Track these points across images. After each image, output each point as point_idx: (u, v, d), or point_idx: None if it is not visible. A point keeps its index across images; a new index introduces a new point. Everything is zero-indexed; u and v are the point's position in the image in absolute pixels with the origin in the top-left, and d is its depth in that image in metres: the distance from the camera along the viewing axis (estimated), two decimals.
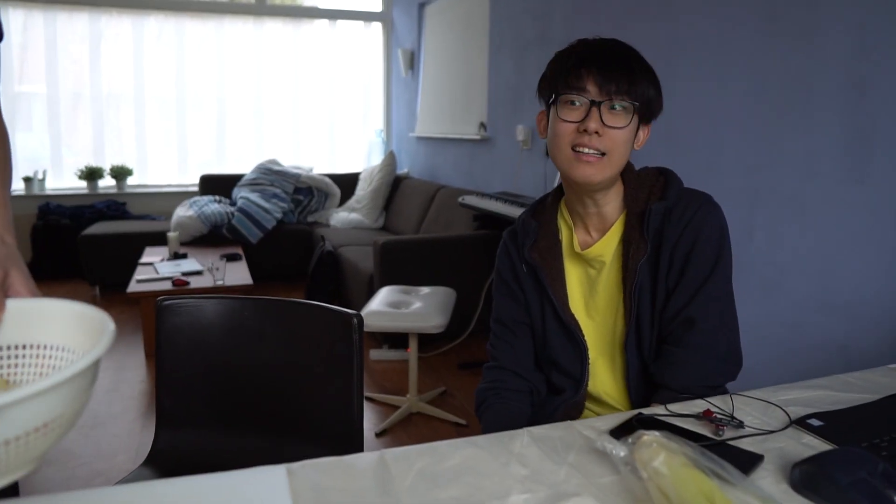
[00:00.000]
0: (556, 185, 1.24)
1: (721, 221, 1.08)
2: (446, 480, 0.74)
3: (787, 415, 0.92)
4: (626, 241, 1.10)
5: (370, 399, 2.80)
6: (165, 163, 5.52)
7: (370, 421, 2.61)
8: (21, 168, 4.95)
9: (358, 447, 1.21)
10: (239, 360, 1.30)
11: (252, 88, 5.64)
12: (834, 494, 0.69)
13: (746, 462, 0.78)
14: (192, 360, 1.30)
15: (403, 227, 4.69)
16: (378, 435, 2.52)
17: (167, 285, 3.38)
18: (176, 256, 3.94)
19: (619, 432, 0.86)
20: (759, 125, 2.19)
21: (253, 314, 1.30)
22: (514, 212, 3.04)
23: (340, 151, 5.99)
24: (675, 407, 0.96)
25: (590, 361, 1.15)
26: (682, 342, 1.06)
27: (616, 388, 1.16)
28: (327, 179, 5.30)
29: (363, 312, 2.52)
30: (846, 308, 1.92)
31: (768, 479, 0.76)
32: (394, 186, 5.16)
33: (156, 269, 3.66)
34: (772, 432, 0.87)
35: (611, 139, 1.03)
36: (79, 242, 4.36)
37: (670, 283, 1.08)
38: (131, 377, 3.04)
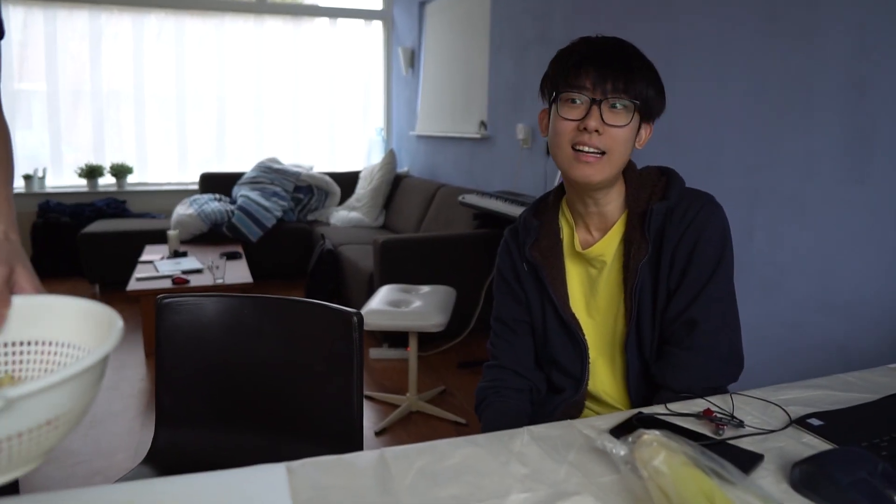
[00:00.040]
0: (556, 184, 1.24)
1: (723, 222, 1.08)
2: (446, 479, 0.74)
3: (787, 414, 0.92)
4: (628, 241, 1.10)
5: (370, 398, 2.80)
6: (165, 161, 5.51)
7: (370, 420, 2.61)
8: (21, 166, 4.95)
9: (357, 446, 1.21)
10: (239, 359, 1.30)
11: (252, 86, 5.64)
12: (834, 494, 0.69)
13: (746, 461, 0.78)
14: (191, 359, 1.30)
15: (403, 225, 4.69)
16: (378, 434, 2.52)
17: (167, 283, 3.38)
18: (176, 255, 3.94)
19: (619, 431, 0.86)
20: (759, 125, 2.19)
21: (253, 312, 1.30)
22: (514, 211, 3.04)
23: (340, 150, 5.99)
24: (675, 406, 0.96)
25: (590, 361, 1.15)
26: (684, 343, 1.06)
27: (616, 387, 1.16)
28: (327, 178, 5.30)
29: (363, 311, 2.52)
30: (846, 308, 1.92)
31: (768, 479, 0.76)
32: (394, 185, 5.16)
33: (156, 267, 3.66)
34: (772, 432, 0.87)
35: (611, 138, 1.03)
36: (79, 240, 4.36)
37: (671, 283, 1.08)
38: (131, 375, 3.04)
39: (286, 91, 5.73)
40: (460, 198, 3.59)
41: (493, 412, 1.16)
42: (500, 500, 0.70)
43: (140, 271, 3.57)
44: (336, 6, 5.84)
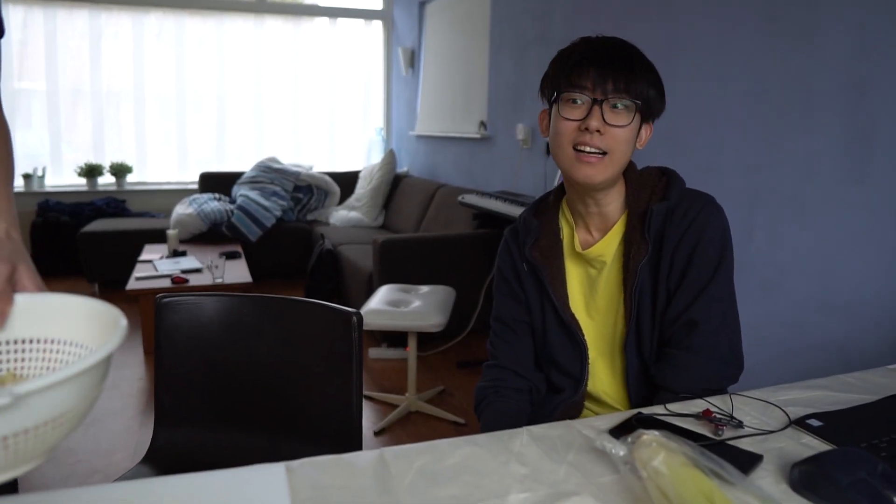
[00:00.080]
0: (556, 184, 1.24)
1: (723, 222, 1.08)
2: (446, 479, 0.74)
3: (787, 415, 0.92)
4: (628, 242, 1.10)
5: (369, 398, 2.79)
6: (165, 160, 5.51)
7: (369, 419, 2.61)
8: (20, 165, 4.95)
9: (357, 446, 1.21)
10: (238, 358, 1.30)
11: (252, 86, 5.64)
12: (833, 495, 0.69)
13: (746, 462, 0.78)
14: (190, 358, 1.30)
15: (403, 225, 4.69)
16: (377, 434, 2.52)
17: (166, 283, 3.38)
18: (175, 254, 3.93)
19: (619, 431, 0.86)
20: (759, 125, 2.18)
21: (252, 312, 1.30)
22: (514, 211, 3.04)
23: (340, 150, 5.99)
24: (675, 406, 0.96)
25: (589, 361, 1.15)
26: (684, 344, 1.06)
27: (615, 388, 1.16)
28: (327, 178, 5.30)
29: (362, 311, 2.52)
30: (846, 308, 1.92)
31: (768, 479, 0.76)
32: (393, 185, 5.16)
33: (155, 266, 3.66)
34: (771, 432, 0.87)
35: (612, 138, 1.03)
36: (78, 239, 4.36)
37: (671, 284, 1.07)
38: (130, 374, 3.03)
39: (286, 91, 5.72)
40: (460, 198, 3.59)
41: (492, 412, 1.16)
42: (499, 500, 0.70)
43: (139, 270, 3.57)
44: (336, 6, 5.84)
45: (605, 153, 1.03)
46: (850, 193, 1.90)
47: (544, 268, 1.14)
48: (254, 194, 4.84)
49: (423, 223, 4.40)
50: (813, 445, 0.84)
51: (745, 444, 0.83)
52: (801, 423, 0.89)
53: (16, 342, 0.66)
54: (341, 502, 0.69)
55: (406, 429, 2.57)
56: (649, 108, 1.06)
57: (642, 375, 1.12)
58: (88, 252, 4.35)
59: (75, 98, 5.18)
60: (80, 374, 0.52)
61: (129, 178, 5.37)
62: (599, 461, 0.78)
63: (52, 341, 0.67)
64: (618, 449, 0.71)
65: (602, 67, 1.02)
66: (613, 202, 1.12)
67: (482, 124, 4.22)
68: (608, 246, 1.12)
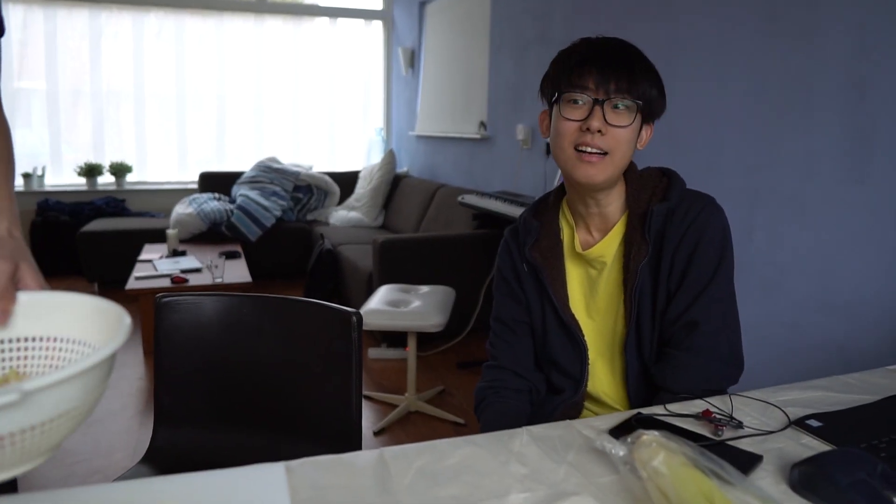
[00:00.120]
0: (556, 184, 1.24)
1: (724, 223, 1.08)
2: (446, 479, 0.74)
3: (787, 415, 0.92)
4: (628, 242, 1.10)
5: (368, 398, 2.79)
6: (165, 160, 5.51)
7: (368, 420, 2.61)
8: (20, 164, 4.93)
9: (356, 445, 1.21)
10: (237, 358, 1.30)
11: (252, 86, 5.63)
12: (833, 495, 0.69)
13: (745, 462, 0.78)
14: (190, 358, 1.30)
15: (403, 225, 4.69)
16: (376, 434, 2.52)
17: (166, 282, 3.38)
18: (175, 254, 3.93)
19: (619, 432, 0.86)
20: (759, 125, 2.18)
21: (252, 312, 1.30)
22: (514, 211, 3.04)
23: (340, 150, 5.99)
24: (675, 407, 0.96)
25: (589, 362, 1.15)
26: (684, 345, 1.06)
27: (615, 388, 1.16)
28: (327, 178, 5.30)
29: (362, 311, 2.52)
30: (846, 308, 1.92)
31: (767, 480, 0.76)
32: (393, 185, 5.16)
33: (155, 266, 3.66)
34: (771, 433, 0.87)
35: (613, 138, 1.03)
36: (78, 239, 4.36)
37: (672, 285, 1.07)
38: (130, 374, 3.03)
39: (286, 91, 5.72)
40: (460, 198, 3.59)
41: (492, 412, 1.16)
42: (499, 500, 0.70)
43: (139, 270, 3.57)
44: (336, 6, 5.84)
45: (606, 153, 1.03)
46: (850, 193, 1.90)
47: (544, 268, 1.14)
48: (254, 194, 4.84)
49: (422, 223, 4.40)
50: (812, 446, 0.84)
51: (744, 445, 0.83)
52: (800, 423, 0.89)
53: (18, 340, 0.66)
54: (341, 502, 0.69)
55: (406, 429, 2.57)
56: (650, 108, 1.06)
57: (642, 376, 1.12)
58: (88, 252, 4.35)
59: (75, 98, 5.18)
60: (87, 371, 0.52)
61: (129, 177, 5.37)
62: (599, 461, 0.78)
63: (55, 339, 0.67)
64: (618, 449, 0.71)
65: (603, 68, 1.02)
66: (614, 203, 1.12)
67: (482, 124, 4.22)
68: (608, 246, 1.12)
